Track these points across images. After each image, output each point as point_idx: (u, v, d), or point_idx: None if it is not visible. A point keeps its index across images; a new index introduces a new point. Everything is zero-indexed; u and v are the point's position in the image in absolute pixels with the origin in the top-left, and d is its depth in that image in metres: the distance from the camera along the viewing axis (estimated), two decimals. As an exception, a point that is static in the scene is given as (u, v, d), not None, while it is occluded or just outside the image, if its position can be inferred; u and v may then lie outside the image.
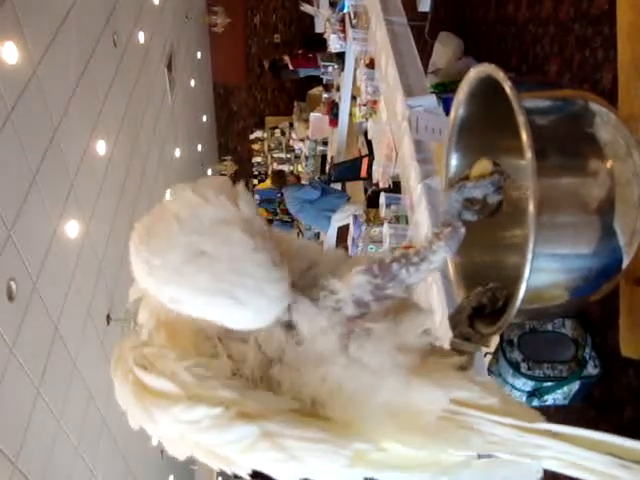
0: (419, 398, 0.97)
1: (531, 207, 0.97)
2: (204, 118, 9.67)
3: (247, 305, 0.94)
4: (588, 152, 1.02)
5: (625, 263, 1.05)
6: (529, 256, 0.97)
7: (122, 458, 5.23)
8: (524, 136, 0.97)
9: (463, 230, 1.04)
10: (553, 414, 3.26)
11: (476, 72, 1.16)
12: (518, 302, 1.01)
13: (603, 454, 0.94)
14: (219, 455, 1.00)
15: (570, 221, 1.01)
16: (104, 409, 4.63)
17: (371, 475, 0.99)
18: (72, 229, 4.05)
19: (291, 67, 9.14)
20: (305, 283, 1.03)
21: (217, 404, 0.96)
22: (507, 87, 1.04)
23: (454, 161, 1.29)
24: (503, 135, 1.20)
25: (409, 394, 0.98)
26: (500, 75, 1.07)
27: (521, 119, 0.99)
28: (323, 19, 6.37)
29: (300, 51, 9.20)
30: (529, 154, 0.97)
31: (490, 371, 3.12)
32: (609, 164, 1.02)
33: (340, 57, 6.18)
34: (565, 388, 3.01)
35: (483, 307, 1.12)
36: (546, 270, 1.01)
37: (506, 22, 4.39)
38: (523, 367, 3.05)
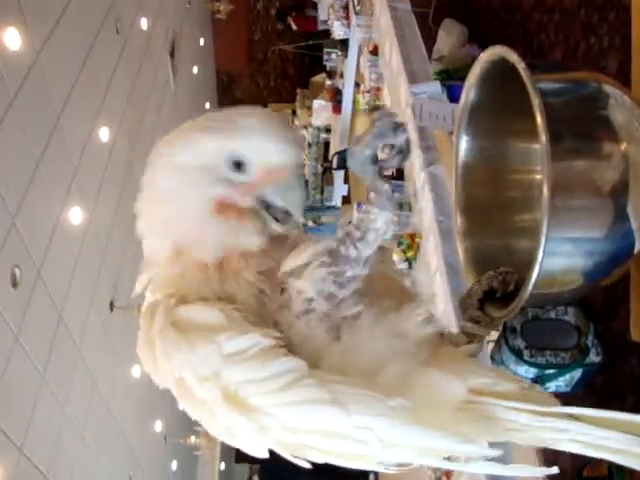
0: (436, 390, 0.96)
1: (545, 190, 0.96)
2: (207, 105, 9.64)
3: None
4: (602, 135, 1.02)
5: (637, 247, 1.05)
6: (542, 239, 0.96)
7: (126, 444, 5.27)
8: (539, 119, 0.96)
9: (387, 186, 1.01)
10: (555, 401, 3.27)
11: (489, 54, 1.15)
12: (531, 285, 1.01)
13: (624, 433, 0.93)
14: (246, 404, 0.92)
15: (584, 204, 1.01)
16: (108, 395, 4.66)
17: (408, 434, 0.93)
18: (75, 216, 4.06)
19: (295, 27, 9.21)
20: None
21: (267, 336, 0.94)
22: (521, 69, 1.02)
23: (464, 144, 1.27)
24: (513, 119, 1.19)
25: (425, 386, 0.96)
26: (514, 57, 1.05)
27: (535, 101, 0.97)
28: (326, 5, 6.33)
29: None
30: (543, 137, 0.96)
31: (493, 358, 3.13)
32: (623, 147, 1.01)
33: (344, 44, 6.16)
34: (567, 376, 3.02)
35: (494, 291, 1.12)
36: (558, 254, 1.01)
37: (510, 9, 4.37)
38: (526, 354, 3.06)
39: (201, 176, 0.96)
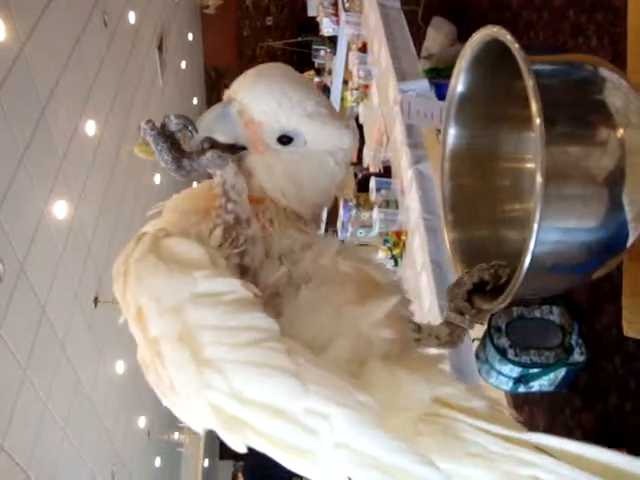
0: (399, 388, 0.90)
1: (538, 177, 0.91)
2: (195, 100, 9.60)
3: None
4: (599, 120, 0.97)
5: (631, 239, 1.01)
6: (535, 227, 0.92)
7: (109, 440, 5.24)
8: (533, 101, 0.92)
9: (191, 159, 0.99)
10: (539, 400, 3.29)
11: (481, 35, 1.10)
12: (522, 276, 0.97)
13: (598, 477, 0.81)
14: (199, 353, 0.85)
15: (578, 192, 0.96)
16: (91, 391, 4.63)
17: (365, 435, 0.83)
18: (60, 210, 4.01)
19: None
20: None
21: (248, 289, 0.89)
22: (515, 50, 0.98)
23: (452, 130, 1.23)
24: (504, 105, 1.15)
25: (388, 383, 0.90)
26: (507, 37, 1.00)
27: (529, 83, 0.93)
28: (316, 2, 6.31)
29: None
30: (538, 120, 0.91)
31: (477, 357, 3.14)
32: (620, 133, 0.97)
33: (332, 41, 6.14)
34: (551, 375, 3.03)
35: (484, 283, 1.09)
36: (550, 244, 0.96)
37: (500, 8, 4.38)
38: (510, 353, 3.08)
39: None
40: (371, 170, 3.62)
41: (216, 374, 0.84)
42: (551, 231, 0.93)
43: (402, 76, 3.30)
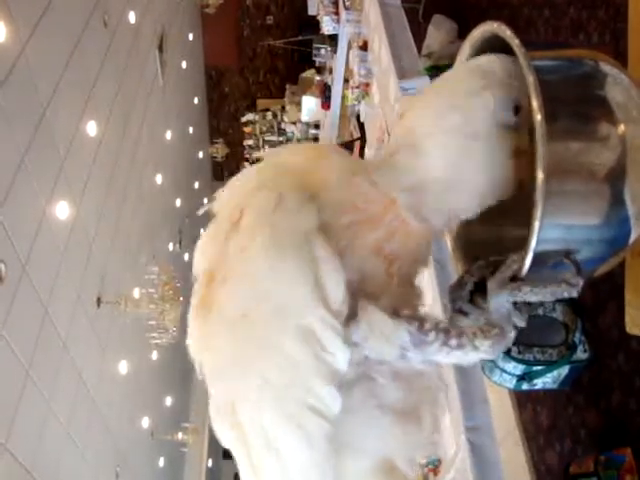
0: None
1: (540, 173, 0.90)
2: (195, 100, 9.60)
3: None
4: (599, 115, 0.96)
5: (633, 235, 1.00)
6: (536, 224, 0.91)
7: (112, 440, 5.24)
8: (533, 97, 0.91)
9: (512, 335, 0.95)
10: (542, 398, 3.28)
11: (480, 31, 1.09)
12: (524, 273, 0.97)
13: None
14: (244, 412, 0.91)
15: (580, 189, 0.95)
16: (94, 391, 4.63)
17: None
18: (62, 211, 4.02)
19: None
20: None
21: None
22: (515, 45, 0.96)
23: None
24: None
25: None
26: (507, 33, 0.99)
27: (530, 78, 0.92)
28: (316, 0, 6.31)
29: None
30: (538, 116, 0.90)
31: (480, 355, 3.12)
32: (621, 128, 0.96)
33: (333, 39, 6.15)
34: (555, 372, 3.02)
35: (485, 282, 1.06)
36: (551, 241, 0.95)
37: (500, 5, 4.38)
38: (513, 351, 3.06)
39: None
40: (372, 168, 3.61)
41: (249, 433, 0.90)
42: (552, 228, 0.93)
43: (403, 74, 3.30)
